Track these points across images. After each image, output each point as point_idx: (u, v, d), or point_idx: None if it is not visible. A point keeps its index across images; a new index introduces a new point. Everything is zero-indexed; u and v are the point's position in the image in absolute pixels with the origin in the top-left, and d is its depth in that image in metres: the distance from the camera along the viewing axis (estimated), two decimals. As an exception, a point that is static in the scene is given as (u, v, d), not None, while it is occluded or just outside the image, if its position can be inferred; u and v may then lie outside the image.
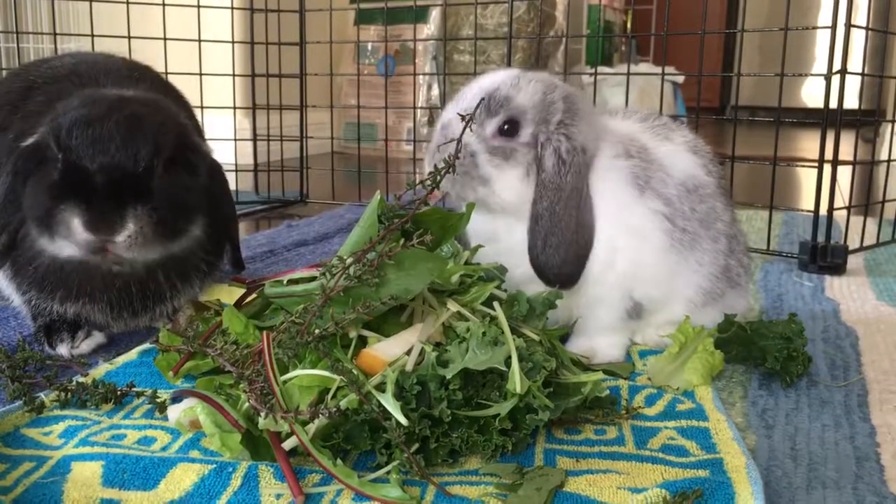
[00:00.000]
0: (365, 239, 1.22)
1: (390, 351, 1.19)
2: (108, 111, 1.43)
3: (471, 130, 1.43)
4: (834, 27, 2.17)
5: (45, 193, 1.41)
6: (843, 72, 2.17)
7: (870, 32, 2.39)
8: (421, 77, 4.94)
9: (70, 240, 1.40)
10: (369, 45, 5.13)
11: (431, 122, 5.10)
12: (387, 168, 3.40)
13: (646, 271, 1.51)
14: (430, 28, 5.00)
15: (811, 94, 7.17)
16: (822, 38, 7.08)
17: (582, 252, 1.47)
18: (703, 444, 1.22)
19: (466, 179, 1.47)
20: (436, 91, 5.11)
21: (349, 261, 1.18)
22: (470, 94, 1.51)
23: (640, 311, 1.56)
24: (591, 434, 1.26)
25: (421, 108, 4.87)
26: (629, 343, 1.63)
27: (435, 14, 5.03)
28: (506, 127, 1.47)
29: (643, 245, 1.49)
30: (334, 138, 3.61)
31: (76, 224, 1.37)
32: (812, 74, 2.22)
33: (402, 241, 1.19)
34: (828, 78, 2.19)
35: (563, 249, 1.45)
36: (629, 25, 6.92)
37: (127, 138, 1.40)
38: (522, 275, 1.50)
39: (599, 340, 1.57)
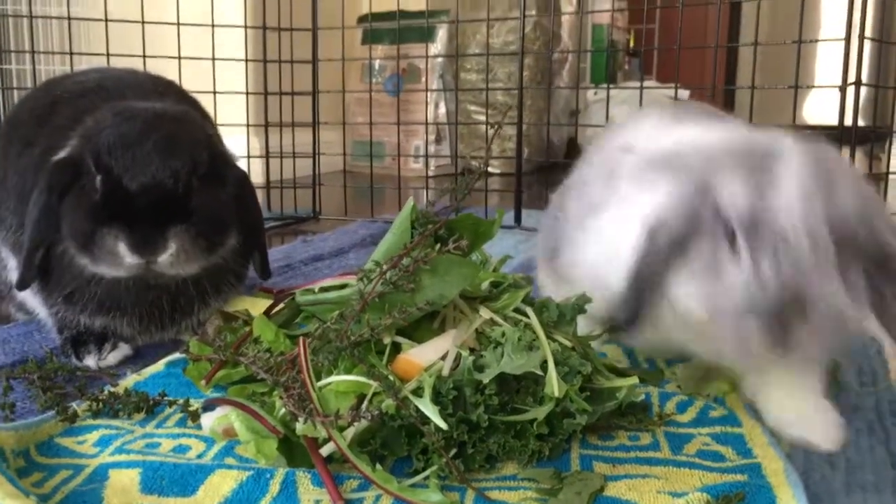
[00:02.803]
0: (399, 245, 1.23)
1: (426, 356, 1.19)
2: (145, 129, 1.44)
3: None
4: (848, 39, 2.19)
5: (86, 215, 1.43)
6: (858, 83, 2.19)
7: (870, 47, 2.40)
8: (427, 95, 4.97)
9: (115, 263, 1.43)
10: (377, 64, 5.17)
11: (439, 140, 5.12)
12: (399, 184, 3.41)
13: None
14: (437, 47, 5.04)
15: (813, 111, 7.19)
16: (823, 55, 7.08)
17: None
18: (738, 449, 1.22)
19: None
20: (442, 109, 5.13)
21: (386, 266, 1.18)
22: (798, 232, 1.05)
23: None
24: (625, 440, 1.26)
25: (432, 123, 4.89)
26: None
27: (441, 33, 5.06)
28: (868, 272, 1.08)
29: None
30: (346, 154, 3.62)
31: (122, 248, 1.40)
32: (826, 86, 2.24)
33: (437, 246, 1.19)
34: (843, 89, 2.20)
35: None
36: (632, 44, 6.96)
37: (166, 158, 1.42)
38: None
39: None
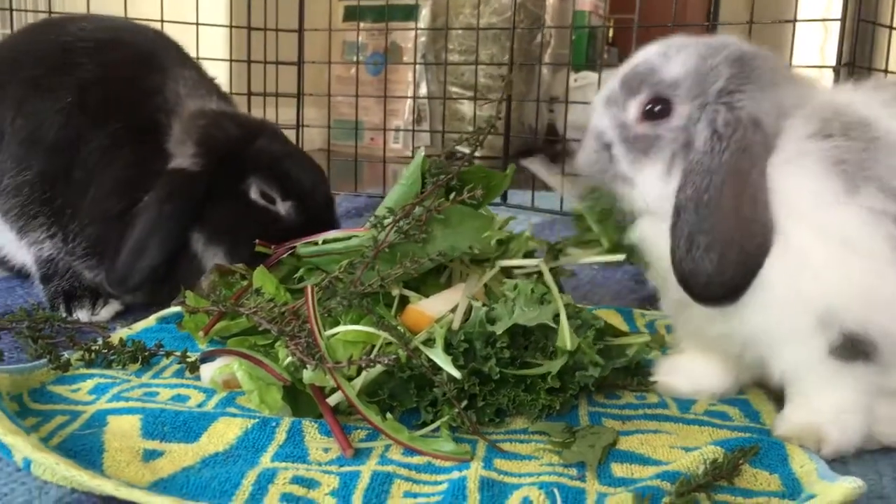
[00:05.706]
0: (409, 195, 1.20)
1: (436, 308, 1.17)
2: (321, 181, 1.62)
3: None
4: (844, 19, 2.20)
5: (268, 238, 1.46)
6: (852, 64, 2.20)
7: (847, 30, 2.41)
8: (414, 71, 4.94)
9: None
10: (358, 43, 5.11)
11: (419, 121, 5.08)
12: (385, 159, 3.37)
13: (863, 293, 1.03)
14: (420, 27, 4.99)
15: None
16: (800, 35, 7.12)
17: (750, 257, 1.05)
18: (745, 412, 1.21)
19: (609, 176, 1.19)
20: (423, 90, 5.10)
21: (399, 214, 1.15)
22: (618, 73, 1.19)
23: (871, 351, 1.05)
24: (632, 399, 1.25)
25: (417, 97, 4.85)
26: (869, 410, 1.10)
27: (425, 12, 5.02)
28: (652, 108, 1.13)
29: (852, 258, 1.02)
30: (331, 127, 3.57)
31: None
32: (822, 66, 2.25)
33: (451, 195, 1.16)
34: (836, 70, 2.21)
35: (717, 251, 1.05)
36: (611, 32, 6.98)
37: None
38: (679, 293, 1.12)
39: (821, 402, 1.10)
